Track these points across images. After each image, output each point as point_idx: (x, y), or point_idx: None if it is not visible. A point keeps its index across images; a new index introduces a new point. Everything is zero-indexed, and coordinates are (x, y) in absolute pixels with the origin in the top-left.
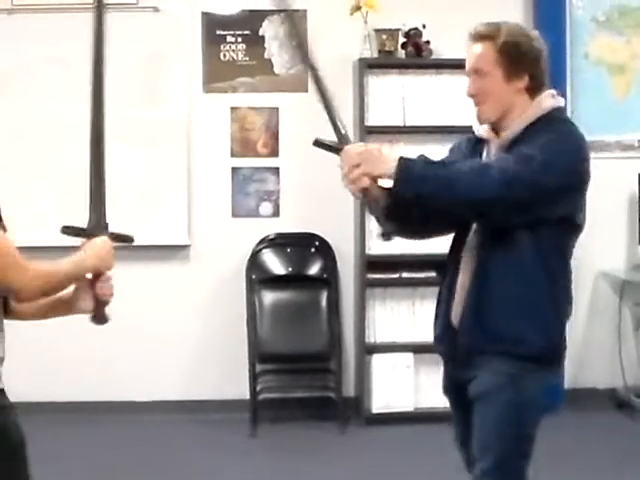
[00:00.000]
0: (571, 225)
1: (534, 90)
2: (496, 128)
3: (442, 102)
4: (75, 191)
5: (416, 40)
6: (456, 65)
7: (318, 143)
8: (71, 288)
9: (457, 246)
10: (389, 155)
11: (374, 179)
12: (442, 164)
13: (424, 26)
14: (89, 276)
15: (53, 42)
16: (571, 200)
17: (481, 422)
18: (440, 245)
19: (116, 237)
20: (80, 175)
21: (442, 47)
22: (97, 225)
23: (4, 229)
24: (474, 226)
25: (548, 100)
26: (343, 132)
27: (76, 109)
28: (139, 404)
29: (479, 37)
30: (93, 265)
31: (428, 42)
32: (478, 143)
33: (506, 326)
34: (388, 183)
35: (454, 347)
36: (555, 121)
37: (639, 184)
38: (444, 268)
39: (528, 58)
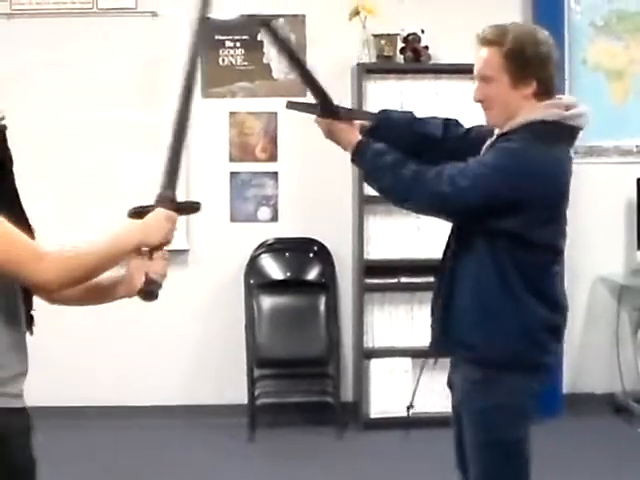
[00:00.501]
0: (525, 242)
1: (542, 95)
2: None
3: (441, 107)
4: (75, 194)
5: (414, 45)
6: (454, 70)
7: (291, 104)
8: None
9: (445, 251)
10: (354, 135)
11: None
12: (391, 164)
13: (422, 31)
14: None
15: (52, 46)
16: (513, 217)
17: (464, 429)
18: (439, 250)
19: (181, 209)
20: (80, 178)
21: (440, 52)
22: (160, 198)
23: (31, 232)
24: (451, 239)
25: (539, 111)
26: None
27: (75, 113)
28: (137, 408)
29: (486, 41)
30: (136, 241)
31: (427, 47)
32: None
33: (464, 333)
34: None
35: (434, 349)
36: (517, 135)
37: (637, 189)
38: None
39: (535, 63)
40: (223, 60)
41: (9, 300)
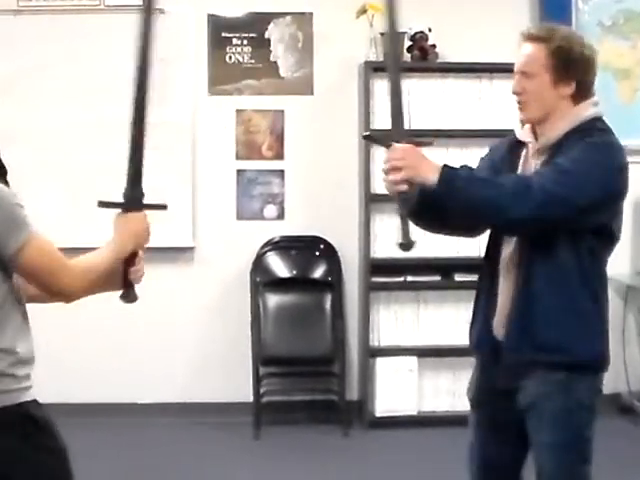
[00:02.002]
0: (607, 234)
1: (579, 98)
2: (536, 130)
3: (448, 106)
4: (80, 191)
5: (422, 44)
6: (462, 69)
7: (368, 137)
8: None
9: (494, 250)
10: (433, 163)
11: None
12: (484, 180)
13: (430, 30)
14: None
15: (58, 43)
16: (607, 210)
17: (536, 432)
18: (446, 250)
19: (150, 207)
20: (85, 175)
21: (448, 51)
22: (134, 198)
23: None
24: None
25: (589, 108)
26: (399, 126)
27: (82, 110)
28: (142, 406)
29: (532, 38)
30: (132, 247)
31: (434, 46)
32: (517, 145)
33: (552, 337)
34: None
35: (496, 355)
36: (594, 131)
37: None
38: (481, 272)
39: (578, 65)
40: (230, 58)
41: (22, 296)
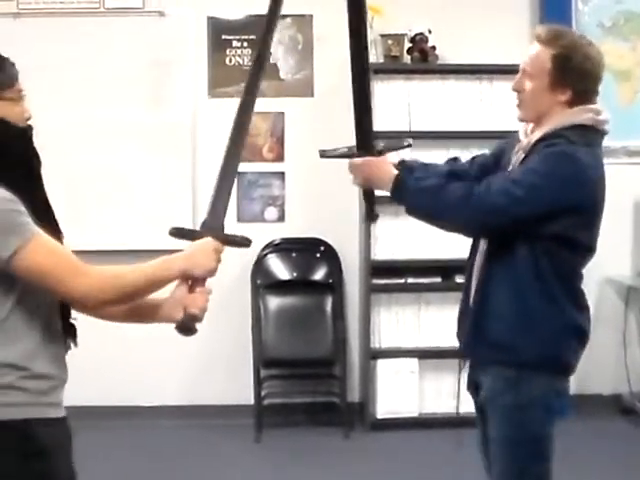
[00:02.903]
0: (570, 244)
1: (575, 105)
2: (533, 127)
3: (448, 107)
4: (80, 192)
5: (422, 45)
6: (462, 70)
7: (325, 155)
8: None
9: (473, 252)
10: (388, 174)
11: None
12: (429, 190)
13: (430, 31)
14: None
15: (58, 46)
16: (563, 220)
17: (490, 428)
18: (446, 251)
19: (231, 241)
20: (85, 177)
21: (448, 52)
22: (209, 226)
23: (59, 234)
24: (483, 240)
25: (580, 115)
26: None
27: (81, 112)
28: (143, 409)
29: (539, 39)
30: (181, 269)
31: (434, 47)
32: (518, 142)
33: (502, 336)
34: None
35: (466, 351)
36: (562, 139)
37: None
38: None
39: (576, 74)
40: (230, 60)
41: (48, 311)
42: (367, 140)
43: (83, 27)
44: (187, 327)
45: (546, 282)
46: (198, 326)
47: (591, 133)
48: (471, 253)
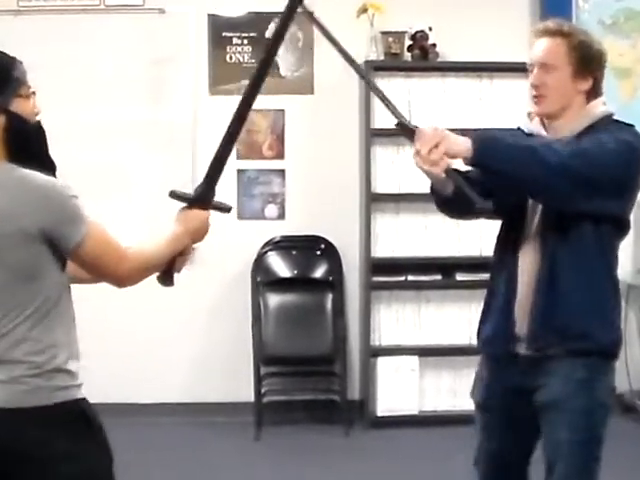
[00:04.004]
0: (623, 224)
1: (592, 94)
2: (546, 123)
3: (448, 105)
4: (80, 191)
5: (422, 43)
6: (462, 68)
7: (399, 123)
8: None
9: (508, 244)
10: (458, 135)
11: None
12: (513, 136)
13: (430, 29)
14: None
15: (59, 44)
16: (626, 199)
17: (554, 430)
18: (446, 249)
19: (216, 207)
20: (87, 175)
21: (448, 50)
22: (204, 196)
23: None
24: (534, 224)
25: (600, 107)
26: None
27: (82, 110)
28: (143, 406)
29: (551, 32)
30: (189, 242)
31: (434, 45)
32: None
33: (574, 323)
34: (462, 165)
35: (512, 352)
36: (611, 125)
37: None
38: (493, 267)
39: (596, 62)
40: (230, 57)
41: (70, 297)
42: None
43: (83, 24)
44: (171, 282)
45: (610, 266)
46: (199, 324)
47: (618, 122)
48: (504, 245)
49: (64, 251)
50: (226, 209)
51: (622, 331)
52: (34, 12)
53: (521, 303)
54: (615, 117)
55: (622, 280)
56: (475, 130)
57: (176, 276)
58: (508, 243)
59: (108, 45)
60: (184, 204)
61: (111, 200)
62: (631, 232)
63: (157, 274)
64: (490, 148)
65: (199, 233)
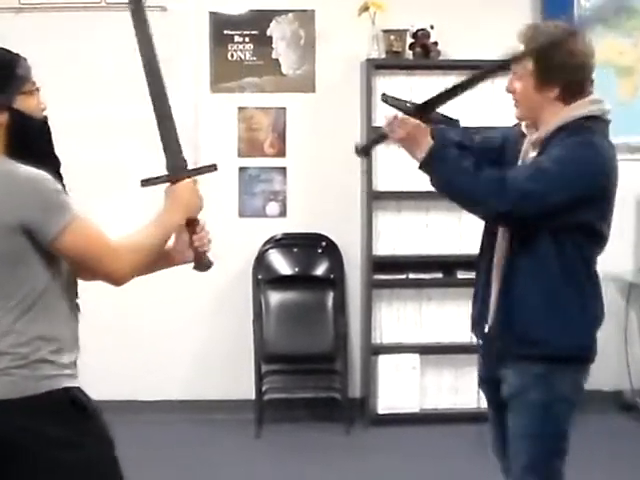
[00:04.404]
0: (591, 233)
1: (568, 98)
2: (531, 125)
3: (449, 103)
4: (79, 190)
5: (424, 41)
6: (464, 66)
7: (387, 98)
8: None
9: (488, 245)
10: (428, 141)
11: None
12: (465, 170)
13: (432, 27)
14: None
15: (60, 41)
16: (588, 209)
17: (513, 424)
18: (448, 247)
19: (198, 171)
20: (89, 173)
21: (450, 48)
22: (175, 167)
23: None
24: (503, 230)
25: (584, 107)
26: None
27: (84, 107)
28: (144, 403)
29: (520, 40)
30: (181, 217)
31: (436, 43)
32: (522, 136)
33: (533, 329)
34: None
35: (488, 345)
36: (580, 129)
37: None
38: (477, 266)
39: (560, 71)
40: (232, 55)
41: (72, 290)
42: (429, 109)
43: (84, 22)
44: (205, 264)
45: (572, 272)
46: (200, 322)
47: (602, 123)
48: (484, 249)
49: (42, 243)
50: (211, 168)
51: (590, 337)
52: (35, 10)
53: (492, 307)
54: (593, 118)
55: (623, 279)
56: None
57: (210, 255)
58: (486, 247)
59: (109, 43)
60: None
61: (111, 197)
62: (632, 232)
63: (193, 265)
64: (437, 175)
65: (190, 203)
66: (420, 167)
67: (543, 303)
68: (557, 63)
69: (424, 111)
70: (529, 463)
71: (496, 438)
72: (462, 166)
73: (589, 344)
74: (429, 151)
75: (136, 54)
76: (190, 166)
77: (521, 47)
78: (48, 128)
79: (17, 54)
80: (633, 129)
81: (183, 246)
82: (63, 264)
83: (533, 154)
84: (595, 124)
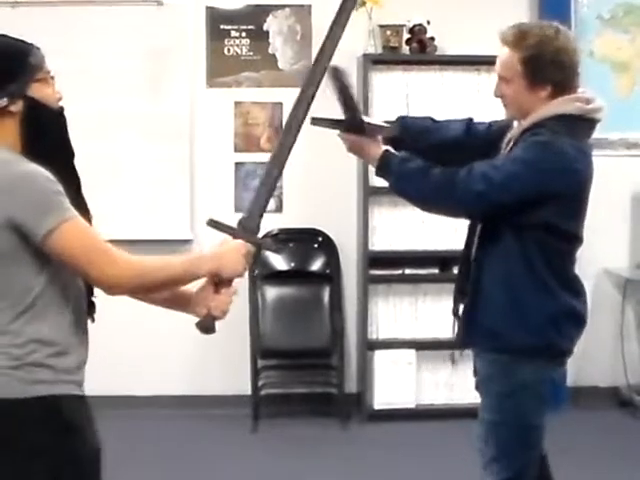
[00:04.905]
0: (556, 232)
1: (559, 94)
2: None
3: (446, 98)
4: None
5: (420, 36)
6: (460, 61)
7: (316, 120)
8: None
9: (468, 245)
10: (375, 151)
11: None
12: (414, 174)
13: (428, 22)
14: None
15: (56, 36)
16: (548, 208)
17: (481, 410)
18: (444, 242)
19: (261, 245)
20: (83, 168)
21: (446, 43)
22: (245, 227)
23: (89, 218)
24: (478, 229)
25: (561, 105)
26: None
27: (79, 102)
28: (140, 398)
29: (505, 42)
30: (210, 269)
31: (432, 38)
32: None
33: (493, 324)
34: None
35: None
36: (545, 129)
37: None
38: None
39: (551, 70)
40: (228, 50)
41: (77, 292)
42: (358, 120)
43: (81, 17)
44: (207, 327)
45: (535, 270)
46: (194, 317)
47: (578, 122)
48: (467, 246)
49: (33, 242)
50: (272, 248)
51: (554, 332)
52: (32, 4)
53: (456, 304)
54: (565, 117)
55: (619, 275)
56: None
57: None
58: (466, 248)
59: (106, 37)
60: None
61: (108, 192)
62: (628, 228)
63: (196, 321)
64: (390, 172)
65: (230, 262)
66: (377, 174)
67: (505, 299)
68: (548, 62)
69: (355, 126)
70: (496, 453)
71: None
72: (409, 168)
73: (552, 342)
74: (378, 160)
75: (131, 48)
76: (186, 162)
77: (504, 48)
78: (64, 118)
79: (30, 43)
80: (630, 125)
81: (201, 299)
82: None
83: (505, 151)
84: (565, 123)
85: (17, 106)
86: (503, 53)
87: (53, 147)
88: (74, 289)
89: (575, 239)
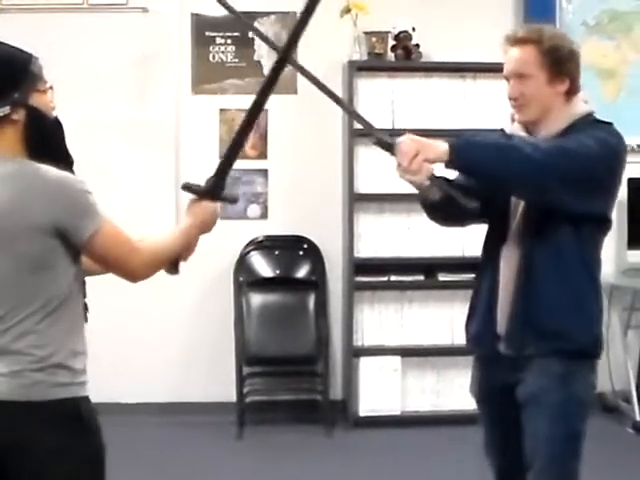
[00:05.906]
0: (605, 223)
1: (571, 94)
2: (530, 128)
3: (431, 105)
4: None
5: (406, 43)
6: (445, 68)
7: (376, 141)
8: None
9: (493, 244)
10: (436, 142)
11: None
12: (493, 137)
13: (414, 29)
14: None
15: (42, 43)
16: (606, 197)
17: (532, 425)
18: (429, 249)
19: (223, 199)
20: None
21: (432, 50)
22: (214, 188)
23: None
24: (514, 225)
25: (581, 105)
26: (382, 136)
27: (65, 109)
28: (125, 406)
29: (521, 41)
30: (200, 234)
31: (418, 45)
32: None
33: (554, 323)
34: (444, 171)
35: (496, 349)
36: (593, 123)
37: (627, 189)
38: (479, 269)
39: (570, 62)
40: (213, 57)
41: (83, 291)
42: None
43: (67, 23)
44: (177, 268)
45: (589, 265)
46: (181, 324)
47: (594, 123)
48: (489, 247)
49: (77, 245)
50: (233, 200)
51: (602, 330)
52: (17, 11)
53: (501, 304)
54: (595, 116)
55: (605, 280)
56: (459, 130)
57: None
58: (492, 246)
59: (91, 44)
60: (193, 196)
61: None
62: (614, 232)
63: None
64: (467, 149)
65: (207, 224)
66: (451, 161)
67: (563, 296)
68: (567, 54)
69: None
70: (546, 464)
71: (492, 437)
72: (485, 143)
73: (601, 338)
74: (453, 141)
75: (116, 55)
76: (171, 168)
77: (514, 49)
78: (61, 126)
79: (30, 53)
80: None
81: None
82: (80, 266)
83: None
84: (591, 122)
85: (19, 115)
86: (519, 51)
87: (56, 155)
88: (82, 289)
89: (610, 227)
